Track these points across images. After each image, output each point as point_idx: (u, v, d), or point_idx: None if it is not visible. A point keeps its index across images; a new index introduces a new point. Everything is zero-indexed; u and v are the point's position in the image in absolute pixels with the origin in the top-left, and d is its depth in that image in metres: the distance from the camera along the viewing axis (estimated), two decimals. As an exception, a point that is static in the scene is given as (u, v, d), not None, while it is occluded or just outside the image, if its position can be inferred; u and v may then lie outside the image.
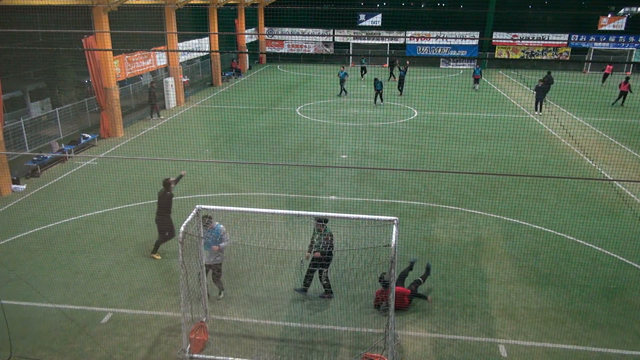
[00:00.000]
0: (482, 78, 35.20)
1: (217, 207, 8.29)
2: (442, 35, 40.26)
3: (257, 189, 14.99)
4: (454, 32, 40.58)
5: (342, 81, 29.00)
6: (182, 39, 28.44)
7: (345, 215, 8.36)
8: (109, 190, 14.80)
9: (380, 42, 42.71)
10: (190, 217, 8.03)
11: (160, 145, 19.45)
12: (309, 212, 9.95)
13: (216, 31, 31.36)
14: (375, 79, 26.82)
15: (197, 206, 8.24)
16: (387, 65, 36.42)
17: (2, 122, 14.82)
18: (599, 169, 17.10)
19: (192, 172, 15.76)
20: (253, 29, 41.57)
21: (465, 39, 41.23)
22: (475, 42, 41.31)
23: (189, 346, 7.98)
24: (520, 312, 9.29)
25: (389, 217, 7.63)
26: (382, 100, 27.22)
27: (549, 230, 12.49)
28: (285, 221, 12.06)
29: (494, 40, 40.82)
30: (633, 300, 9.71)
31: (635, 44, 39.23)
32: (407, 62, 33.80)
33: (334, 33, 42.76)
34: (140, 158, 17.17)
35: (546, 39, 40.56)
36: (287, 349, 8.30)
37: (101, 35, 19.29)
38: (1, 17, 16.58)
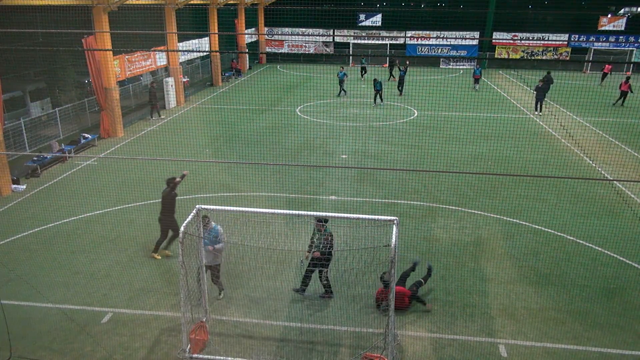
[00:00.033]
0: (482, 78, 35.21)
1: (217, 207, 8.29)
2: (442, 35, 40.26)
3: (257, 189, 15.00)
4: (454, 32, 40.59)
5: (341, 82, 29.00)
6: (182, 39, 28.45)
7: (345, 215, 8.36)
8: (109, 190, 14.80)
9: (380, 42, 42.71)
10: (190, 217, 8.04)
11: (160, 145, 19.45)
12: (309, 212, 9.95)
13: (216, 31, 31.37)
14: (375, 80, 26.82)
15: (197, 206, 8.25)
16: (387, 65, 36.41)
17: (2, 122, 14.82)
18: (599, 169, 17.09)
19: (192, 172, 15.74)
20: (253, 29, 41.57)
21: (465, 39, 41.23)
22: (475, 42, 41.31)
23: (189, 346, 7.98)
24: (520, 312, 9.29)
25: (389, 217, 7.63)
26: (381, 100, 27.22)
27: (549, 230, 12.49)
28: (285, 221, 12.06)
29: (494, 40, 40.82)
30: (633, 300, 9.71)
31: (635, 44, 39.23)
32: (407, 62, 33.80)
33: (334, 33, 42.76)
34: (140, 158, 17.17)
35: (546, 39, 40.56)
36: (287, 349, 8.30)
37: (101, 35, 19.30)
38: (1, 17, 16.58)
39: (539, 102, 25.39)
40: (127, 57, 22.17)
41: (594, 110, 25.52)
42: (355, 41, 42.98)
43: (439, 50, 42.20)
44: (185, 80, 28.81)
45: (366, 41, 42.82)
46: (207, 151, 18.72)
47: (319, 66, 41.27)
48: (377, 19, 41.71)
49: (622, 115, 25.44)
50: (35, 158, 16.28)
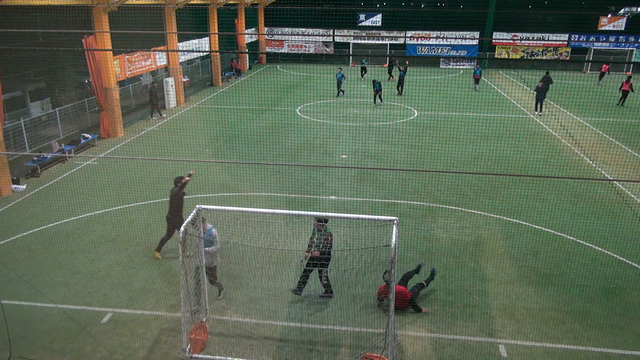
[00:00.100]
0: (482, 78, 35.21)
1: (217, 207, 8.28)
2: (442, 35, 40.26)
3: (257, 189, 15.00)
4: (454, 32, 40.59)
5: (339, 83, 29.00)
6: (182, 39, 28.45)
7: (345, 215, 8.36)
8: (109, 190, 14.80)
9: (380, 42, 42.72)
10: (190, 217, 8.04)
11: (160, 145, 19.45)
12: (309, 212, 9.95)
13: (216, 31, 31.36)
14: (374, 80, 26.82)
15: (197, 206, 8.25)
16: (387, 65, 36.42)
17: (2, 122, 14.83)
18: (599, 169, 17.10)
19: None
20: (253, 29, 41.57)
21: (465, 39, 41.22)
22: (475, 42, 41.31)
23: (189, 346, 7.98)
24: (520, 312, 9.29)
25: (389, 217, 7.63)
26: (381, 100, 27.23)
27: (549, 230, 12.49)
28: (285, 221, 12.06)
29: (494, 40, 40.82)
30: (633, 300, 9.71)
31: (635, 44, 39.23)
32: (407, 62, 33.80)
33: (334, 33, 42.76)
34: (140, 158, 17.17)
35: (546, 39, 40.57)
36: (287, 349, 8.30)
37: (101, 35, 19.30)
38: (1, 17, 16.58)
39: (539, 102, 25.39)
40: (127, 57, 22.17)
41: (594, 110, 25.53)
42: (355, 41, 42.98)
43: (439, 50, 42.20)
44: (185, 80, 28.82)
45: (366, 41, 42.83)
46: (207, 151, 18.72)
47: (319, 66, 41.28)
48: (377, 19, 41.72)
49: (622, 115, 25.45)
50: (35, 158, 16.28)
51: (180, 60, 27.52)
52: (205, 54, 32.89)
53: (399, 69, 30.44)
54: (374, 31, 42.31)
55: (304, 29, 42.89)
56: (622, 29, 39.21)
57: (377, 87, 26.66)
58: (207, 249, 8.86)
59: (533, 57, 41.19)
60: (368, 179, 15.95)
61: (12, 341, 8.02)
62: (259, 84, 33.97)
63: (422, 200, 14.31)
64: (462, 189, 15.17)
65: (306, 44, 43.64)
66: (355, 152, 18.75)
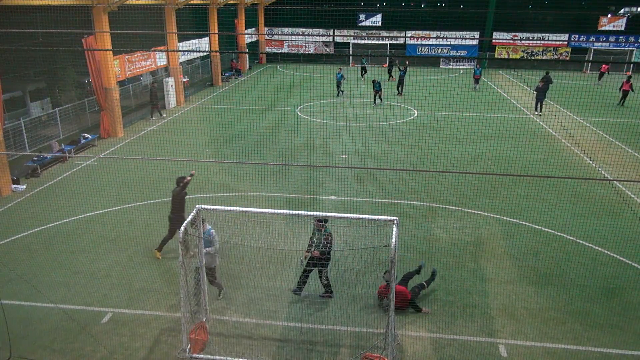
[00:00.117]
0: (482, 78, 35.21)
1: (217, 207, 8.28)
2: (442, 35, 40.26)
3: (257, 189, 15.00)
4: (454, 32, 40.59)
5: (338, 83, 29.00)
6: (182, 39, 28.45)
7: (345, 215, 8.36)
8: (109, 190, 14.80)
9: (380, 42, 42.71)
10: (190, 217, 8.04)
11: (160, 145, 19.45)
12: (309, 212, 9.95)
13: (216, 31, 31.36)
14: (374, 81, 26.82)
15: (197, 206, 8.25)
16: (387, 65, 36.42)
17: (2, 122, 14.83)
18: (599, 169, 17.09)
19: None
20: (253, 29, 41.57)
21: (465, 39, 41.23)
22: (475, 42, 41.31)
23: (189, 346, 7.98)
24: (520, 312, 9.29)
25: (389, 217, 7.62)
26: (381, 100, 27.23)
27: (549, 230, 12.49)
28: (285, 221, 12.06)
29: (494, 40, 40.82)
30: (633, 300, 9.71)
31: (635, 44, 39.23)
32: (407, 62, 33.80)
33: (334, 33, 42.75)
34: (140, 158, 17.17)
35: (546, 39, 40.57)
36: (287, 349, 8.30)
37: (101, 35, 19.30)
38: (1, 17, 16.58)
39: (539, 103, 25.39)
40: (127, 57, 22.17)
41: (594, 110, 25.53)
42: (355, 41, 42.98)
43: (439, 50, 42.20)
44: (185, 80, 28.82)
45: (366, 41, 42.83)
46: (207, 151, 18.72)
47: (319, 66, 41.28)
48: (377, 19, 41.72)
49: (622, 115, 25.45)
50: (35, 158, 16.28)
51: (180, 60, 27.52)
52: (205, 54, 32.89)
53: (399, 69, 30.43)
54: (374, 31, 42.31)
55: (304, 29, 42.90)
56: (622, 29, 39.21)
57: (377, 87, 26.66)
58: (206, 249, 8.86)
59: (533, 57, 41.20)
60: (368, 179, 15.95)
61: (12, 341, 8.02)
62: (259, 84, 33.97)
63: (422, 200, 14.31)
64: (462, 189, 15.17)
65: (306, 44, 43.64)
66: (355, 152, 18.75)
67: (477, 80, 31.76)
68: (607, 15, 39.37)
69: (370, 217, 7.90)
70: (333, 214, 9.08)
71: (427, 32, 40.76)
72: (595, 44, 40.02)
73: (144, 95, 26.02)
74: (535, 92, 25.76)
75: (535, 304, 9.53)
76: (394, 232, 7.34)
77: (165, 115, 24.40)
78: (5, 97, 17.50)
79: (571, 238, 12.12)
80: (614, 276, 10.50)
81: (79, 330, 8.62)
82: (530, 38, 40.77)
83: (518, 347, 8.40)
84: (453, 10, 39.96)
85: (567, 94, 28.51)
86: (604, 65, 34.69)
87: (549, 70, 30.08)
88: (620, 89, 27.88)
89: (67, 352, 8.13)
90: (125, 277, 10.27)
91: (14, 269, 10.41)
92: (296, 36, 42.88)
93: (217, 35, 31.82)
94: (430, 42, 41.79)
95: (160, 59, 25.76)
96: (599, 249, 11.62)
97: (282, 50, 43.80)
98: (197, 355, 7.99)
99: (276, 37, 43.60)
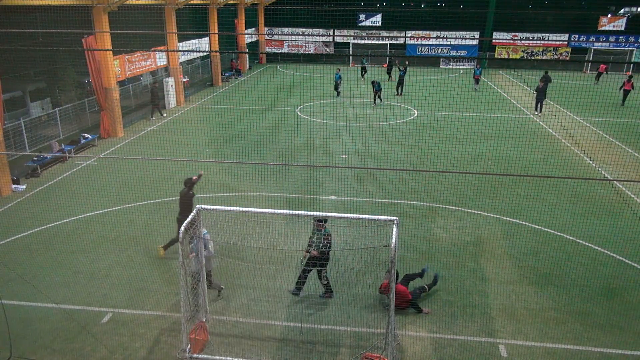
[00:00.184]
0: (482, 78, 35.21)
1: (217, 207, 8.28)
2: (442, 35, 40.26)
3: (257, 189, 15.00)
4: (454, 32, 40.59)
5: (337, 84, 29.00)
6: (182, 39, 28.45)
7: (345, 215, 8.36)
8: (109, 190, 14.80)
9: (380, 42, 42.71)
10: (190, 217, 8.04)
11: (160, 145, 19.45)
12: (309, 212, 9.95)
13: (216, 31, 31.36)
14: (373, 82, 26.81)
15: (197, 206, 8.25)
16: (387, 65, 36.42)
17: (2, 122, 14.82)
18: (599, 169, 17.10)
19: (193, 172, 15.72)
20: (253, 29, 41.57)
21: (465, 39, 41.23)
22: (475, 42, 41.31)
23: (189, 346, 7.98)
24: (520, 312, 9.29)
25: (389, 217, 7.62)
26: (381, 100, 27.23)
27: (549, 230, 12.49)
28: (285, 221, 12.06)
29: (494, 40, 40.82)
30: (633, 300, 9.71)
31: (635, 44, 39.23)
32: (407, 62, 33.80)
33: (334, 33, 42.75)
34: (140, 158, 17.17)
35: (546, 39, 40.57)
36: (287, 349, 8.29)
37: (101, 35, 19.30)
38: (1, 17, 16.58)
39: (539, 103, 25.38)
40: (127, 57, 22.17)
41: (594, 110, 25.53)
42: (355, 41, 42.99)
43: (439, 50, 42.20)
44: (185, 80, 28.82)
45: (366, 41, 42.83)
46: (207, 151, 18.73)
47: (319, 66, 41.28)
48: (377, 19, 41.72)
49: (622, 115, 25.45)
50: (35, 158, 16.28)
51: (180, 60, 27.52)
52: (205, 54, 32.89)
53: (399, 69, 30.43)
54: (374, 31, 42.31)
55: (304, 29, 42.90)
56: (622, 29, 39.20)
57: (376, 88, 26.66)
58: (194, 254, 8.74)
59: (533, 57, 41.19)
60: (368, 179, 15.95)
61: (13, 341, 8.02)
62: (259, 84, 33.97)
63: (422, 200, 14.31)
64: (462, 189, 15.16)
65: (306, 44, 43.64)
66: (355, 152, 18.75)
67: (477, 81, 31.75)
68: (607, 15, 39.37)
69: (370, 217, 7.90)
70: (333, 214, 9.09)
71: (427, 32, 40.76)
72: (595, 44, 40.02)
73: (144, 95, 26.02)
74: (535, 93, 25.76)
75: (535, 304, 9.53)
76: (394, 232, 7.34)
77: (165, 115, 24.42)
78: (5, 97, 17.50)
79: (571, 238, 12.12)
80: (614, 276, 10.50)
81: (79, 330, 8.62)
82: (530, 38, 40.77)
83: (518, 347, 8.40)
84: (453, 10, 39.96)
85: (567, 94, 28.50)
86: (602, 65, 34.72)
87: (548, 69, 30.08)
88: (620, 88, 27.89)
89: (67, 352, 8.13)
90: (125, 277, 10.27)
91: (14, 269, 10.42)
92: (296, 36, 42.88)
93: (217, 35, 31.82)
94: (430, 42, 41.79)
95: (160, 59, 25.76)
96: (599, 249, 11.62)
97: (282, 50, 43.81)
98: (197, 355, 7.99)
99: (276, 37, 43.60)
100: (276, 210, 9.55)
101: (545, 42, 40.62)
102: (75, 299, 9.51)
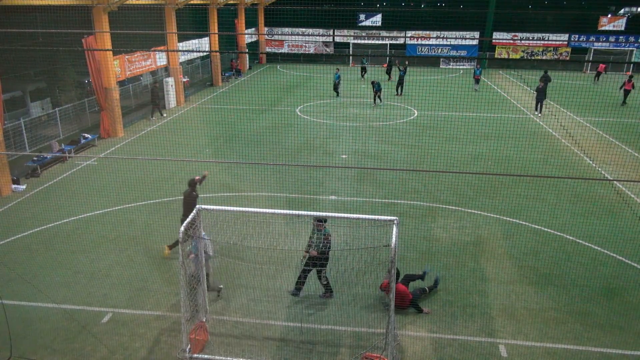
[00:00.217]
0: (482, 78, 35.20)
1: (217, 207, 8.28)
2: (442, 35, 40.26)
3: (257, 189, 15.00)
4: (454, 32, 40.59)
5: (336, 84, 28.99)
6: (182, 39, 28.45)
7: (345, 215, 8.36)
8: (109, 190, 14.80)
9: (380, 42, 42.71)
10: (190, 217, 8.03)
11: (160, 145, 19.46)
12: (309, 212, 9.95)
13: (216, 31, 31.36)
14: (373, 82, 26.82)
15: (197, 206, 8.24)
16: (386, 65, 36.42)
17: (2, 122, 14.83)
18: (599, 169, 17.10)
19: (192, 172, 15.71)
20: (253, 29, 41.57)
21: (465, 39, 41.23)
22: (475, 42, 41.31)
23: (189, 346, 7.98)
24: (520, 312, 9.29)
25: (389, 217, 7.62)
26: (380, 100, 27.23)
27: (549, 230, 12.49)
28: (285, 221, 12.06)
29: (494, 40, 40.82)
30: (633, 300, 9.71)
31: (635, 44, 39.23)
32: (407, 62, 33.80)
33: (334, 33, 42.75)
34: (140, 158, 17.17)
35: (546, 39, 40.56)
36: (287, 349, 8.30)
37: (101, 35, 19.30)
38: (1, 17, 16.58)
39: (539, 103, 25.38)
40: (127, 57, 22.17)
41: (594, 110, 25.52)
42: (355, 41, 42.98)
43: (439, 50, 42.20)
44: (185, 80, 28.82)
45: (366, 41, 42.82)
46: (207, 151, 18.73)
47: (319, 66, 41.27)
48: (377, 19, 41.71)
49: (622, 115, 25.45)
50: (35, 158, 16.28)
51: (180, 60, 27.52)
52: (205, 54, 32.89)
53: (399, 69, 30.43)
54: (374, 31, 42.31)
55: (304, 29, 42.90)
56: (622, 29, 39.21)
57: (376, 88, 26.66)
58: (193, 255, 8.75)
59: (533, 57, 41.19)
60: (368, 179, 15.95)
61: (13, 341, 8.03)
62: (259, 84, 33.97)
63: (422, 200, 14.31)
64: (462, 188, 15.17)
65: (306, 44, 43.64)
66: (355, 152, 18.75)
67: (477, 81, 31.75)
68: (607, 15, 39.37)
69: (370, 217, 7.90)
70: (333, 214, 9.09)
71: (427, 32, 40.75)
72: (595, 44, 40.01)
73: (144, 95, 26.03)
74: (535, 93, 25.75)
75: (535, 304, 9.54)
76: (394, 232, 7.34)
77: (165, 115, 24.42)
78: (5, 97, 17.50)
79: (571, 238, 12.12)
80: (614, 276, 10.50)
81: (79, 330, 8.63)
82: (530, 38, 40.77)
83: (518, 347, 8.40)
84: (453, 10, 39.96)
85: (567, 94, 28.50)
86: (601, 65, 34.74)
87: (548, 69, 30.07)
88: (621, 88, 27.89)
89: (68, 352, 8.13)
90: (125, 277, 10.27)
91: (14, 268, 10.42)
92: (296, 36, 42.88)
93: (217, 35, 31.82)
94: (430, 42, 41.78)
95: (160, 59, 25.76)
96: (599, 249, 11.62)
97: (282, 50, 43.81)
98: (197, 355, 7.99)
99: (276, 37, 43.60)
100: (276, 210, 9.55)
101: (545, 42, 40.62)
102: (75, 299, 9.51)
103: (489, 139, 20.45)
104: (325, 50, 43.65)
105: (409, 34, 40.90)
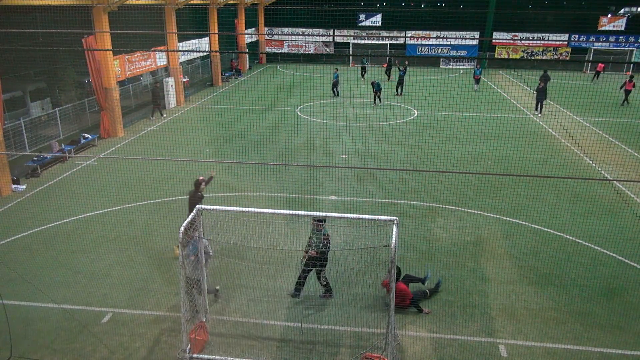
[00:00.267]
0: (482, 78, 35.20)
1: (217, 207, 8.28)
2: (442, 35, 40.26)
3: (257, 189, 15.00)
4: (454, 32, 40.59)
5: (335, 84, 28.99)
6: (182, 39, 28.45)
7: (345, 215, 8.36)
8: (109, 190, 14.80)
9: (380, 42, 42.72)
10: (190, 217, 8.04)
11: (160, 145, 19.46)
12: (308, 212, 9.95)
13: (216, 31, 31.36)
14: (373, 82, 26.82)
15: (197, 206, 8.25)
16: (386, 65, 36.42)
17: (2, 122, 14.83)
18: (599, 169, 17.10)
19: (192, 172, 15.74)
20: (253, 29, 41.57)
21: (465, 39, 41.23)
22: (475, 42, 41.31)
23: (189, 346, 7.98)
24: (520, 312, 9.29)
25: (389, 217, 7.62)
26: (380, 100, 27.23)
27: (549, 230, 12.50)
28: (285, 221, 12.06)
29: (494, 40, 40.82)
30: (633, 300, 9.72)
31: (635, 44, 39.23)
32: (406, 62, 33.81)
33: (334, 33, 42.76)
34: (140, 158, 17.17)
35: (546, 39, 40.57)
36: (287, 349, 8.30)
37: (101, 35, 19.30)
38: (1, 17, 16.58)
39: (539, 103, 25.38)
40: (127, 57, 22.17)
41: (594, 110, 25.53)
42: (355, 41, 42.99)
43: (439, 50, 42.20)
44: (185, 80, 28.82)
45: (366, 41, 42.83)
46: (207, 151, 18.73)
47: (319, 66, 41.28)
48: (377, 19, 41.72)
49: (622, 115, 25.45)
50: (35, 158, 16.29)
51: (180, 60, 27.52)
52: (205, 54, 32.89)
53: (399, 69, 30.43)
54: (374, 31, 42.31)
55: (304, 29, 42.90)
56: (622, 29, 39.21)
57: (376, 88, 26.67)
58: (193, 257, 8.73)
59: (533, 57, 41.19)
60: (368, 178, 15.96)
61: (13, 341, 8.03)
62: (259, 84, 33.98)
63: (422, 200, 14.32)
64: (462, 188, 15.17)
65: (306, 44, 43.64)
66: (355, 152, 18.75)
67: (477, 81, 31.75)
68: (607, 15, 39.38)
69: (370, 217, 7.90)
70: (333, 214, 9.09)
71: (427, 32, 40.76)
72: (595, 44, 40.02)
73: (144, 95, 26.02)
74: (535, 93, 25.75)
75: (535, 304, 9.54)
76: (394, 232, 7.34)
77: (165, 115, 24.42)
78: (5, 97, 17.50)
79: (571, 238, 12.12)
80: (614, 276, 10.51)
81: (79, 329, 8.63)
82: (530, 38, 40.77)
83: (518, 347, 8.40)
84: (453, 10, 39.97)
85: (567, 94, 28.50)
86: (600, 65, 34.78)
87: (548, 69, 30.07)
88: (621, 88, 27.89)
89: (68, 351, 8.13)
90: (125, 277, 10.27)
91: (14, 268, 10.42)
92: (296, 36, 42.88)
93: (217, 35, 31.82)
94: (430, 42, 41.79)
95: (160, 59, 25.77)
96: (599, 249, 11.62)
97: (282, 50, 43.81)
98: (197, 355, 7.99)
99: (276, 37, 43.61)
100: (276, 210, 9.55)
101: (545, 42, 40.62)
102: (75, 298, 9.52)
103: (488, 139, 20.45)
104: (325, 50, 43.65)
105: (409, 34, 40.91)
